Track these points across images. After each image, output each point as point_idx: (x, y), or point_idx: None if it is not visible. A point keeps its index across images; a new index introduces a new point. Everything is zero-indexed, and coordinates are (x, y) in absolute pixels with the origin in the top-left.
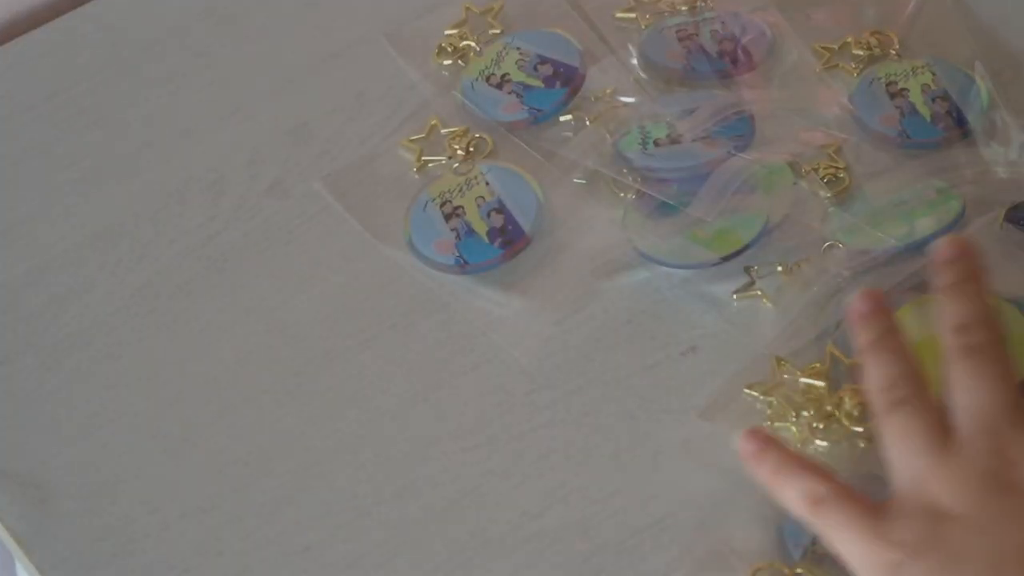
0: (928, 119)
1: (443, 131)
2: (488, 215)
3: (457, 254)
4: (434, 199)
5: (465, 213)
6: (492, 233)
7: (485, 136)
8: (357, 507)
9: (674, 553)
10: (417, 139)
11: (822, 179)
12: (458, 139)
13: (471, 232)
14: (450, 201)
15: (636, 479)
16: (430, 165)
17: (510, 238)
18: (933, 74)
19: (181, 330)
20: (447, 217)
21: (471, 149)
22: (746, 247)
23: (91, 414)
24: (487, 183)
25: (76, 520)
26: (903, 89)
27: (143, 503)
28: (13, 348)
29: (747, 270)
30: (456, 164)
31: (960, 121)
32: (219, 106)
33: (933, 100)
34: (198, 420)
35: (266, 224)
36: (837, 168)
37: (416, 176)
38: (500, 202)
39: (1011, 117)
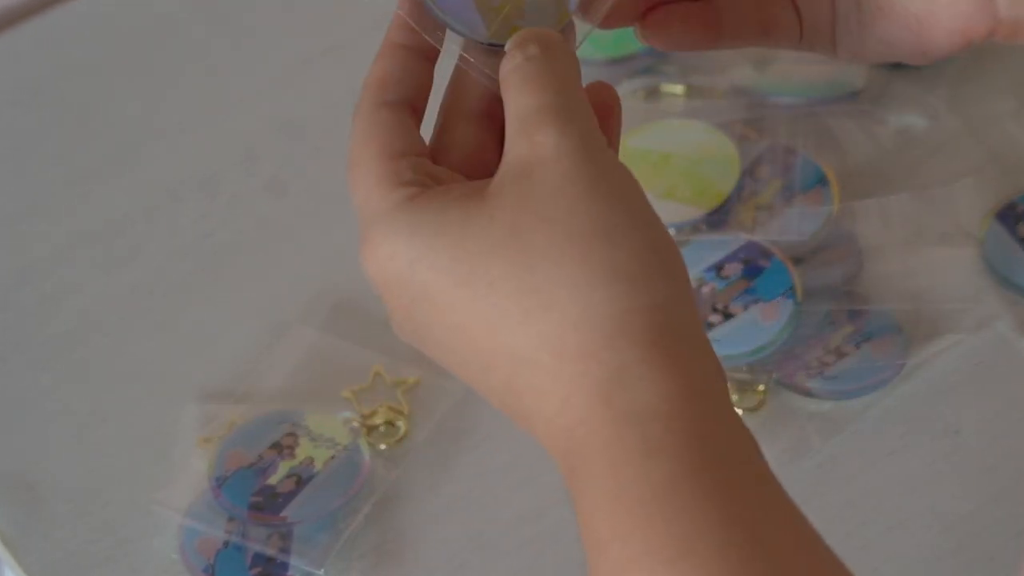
0: None
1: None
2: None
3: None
4: None
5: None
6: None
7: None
8: None
9: None
10: None
11: None
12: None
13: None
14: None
15: None
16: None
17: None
18: None
19: (175, 329)
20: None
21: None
22: None
23: (83, 414)
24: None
25: (67, 522)
26: None
27: (136, 505)
28: (4, 347)
29: None
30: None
31: None
32: (213, 101)
33: None
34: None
35: (262, 221)
36: None
37: None
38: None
39: None
